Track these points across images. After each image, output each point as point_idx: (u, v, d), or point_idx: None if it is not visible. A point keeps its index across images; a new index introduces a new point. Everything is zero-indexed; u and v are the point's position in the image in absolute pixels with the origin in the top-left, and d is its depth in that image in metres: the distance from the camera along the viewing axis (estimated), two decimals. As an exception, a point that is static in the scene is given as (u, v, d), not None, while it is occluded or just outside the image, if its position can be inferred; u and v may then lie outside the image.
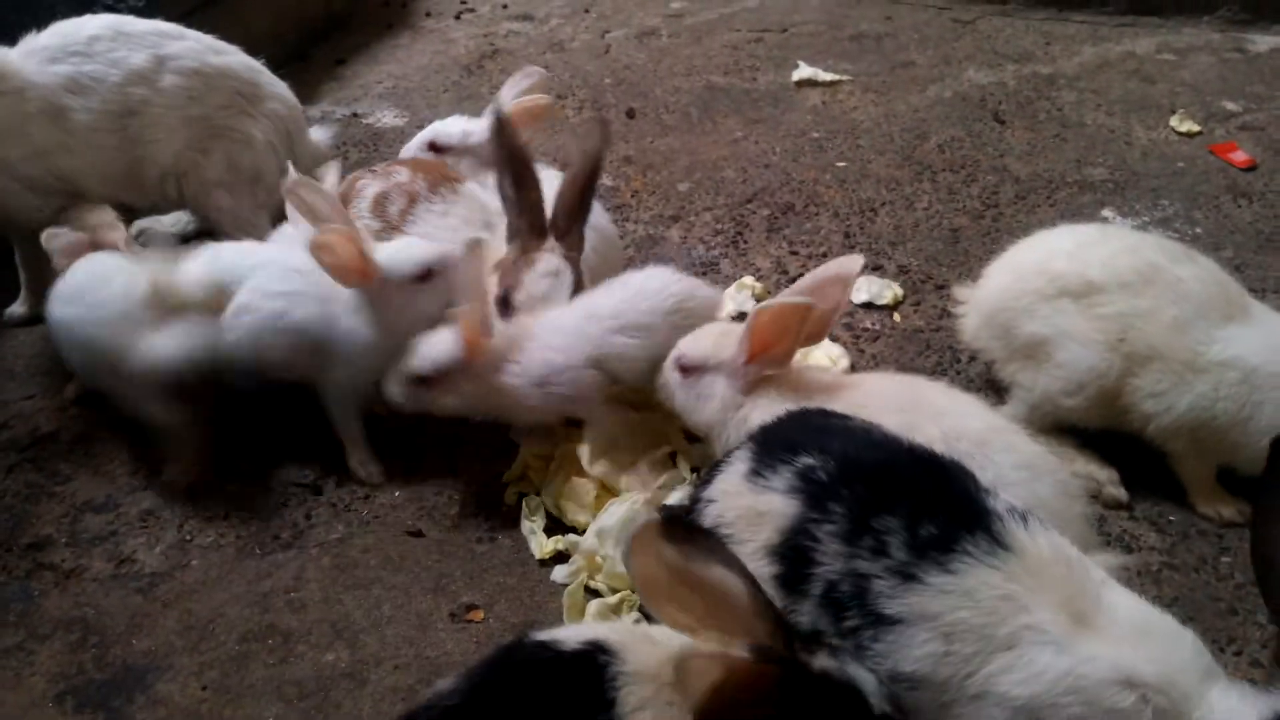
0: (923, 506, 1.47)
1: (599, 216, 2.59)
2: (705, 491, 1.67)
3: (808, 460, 1.56)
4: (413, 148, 2.77)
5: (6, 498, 2.26)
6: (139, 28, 2.63)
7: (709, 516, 1.64)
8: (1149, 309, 2.10)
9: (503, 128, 2.30)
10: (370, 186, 2.47)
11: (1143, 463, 2.20)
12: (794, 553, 1.51)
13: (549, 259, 2.24)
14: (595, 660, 1.34)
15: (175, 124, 2.62)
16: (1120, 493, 2.20)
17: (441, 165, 2.61)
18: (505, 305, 2.21)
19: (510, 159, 2.28)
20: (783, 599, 1.53)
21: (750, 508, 1.58)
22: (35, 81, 2.44)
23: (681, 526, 1.42)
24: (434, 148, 2.72)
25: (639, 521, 1.41)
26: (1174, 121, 3.51)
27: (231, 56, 2.76)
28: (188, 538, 2.17)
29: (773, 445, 1.63)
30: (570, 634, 1.40)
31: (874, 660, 1.45)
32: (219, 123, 2.70)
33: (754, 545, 1.55)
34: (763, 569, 1.53)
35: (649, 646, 1.38)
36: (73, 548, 2.15)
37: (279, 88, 2.86)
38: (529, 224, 2.27)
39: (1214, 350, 2.06)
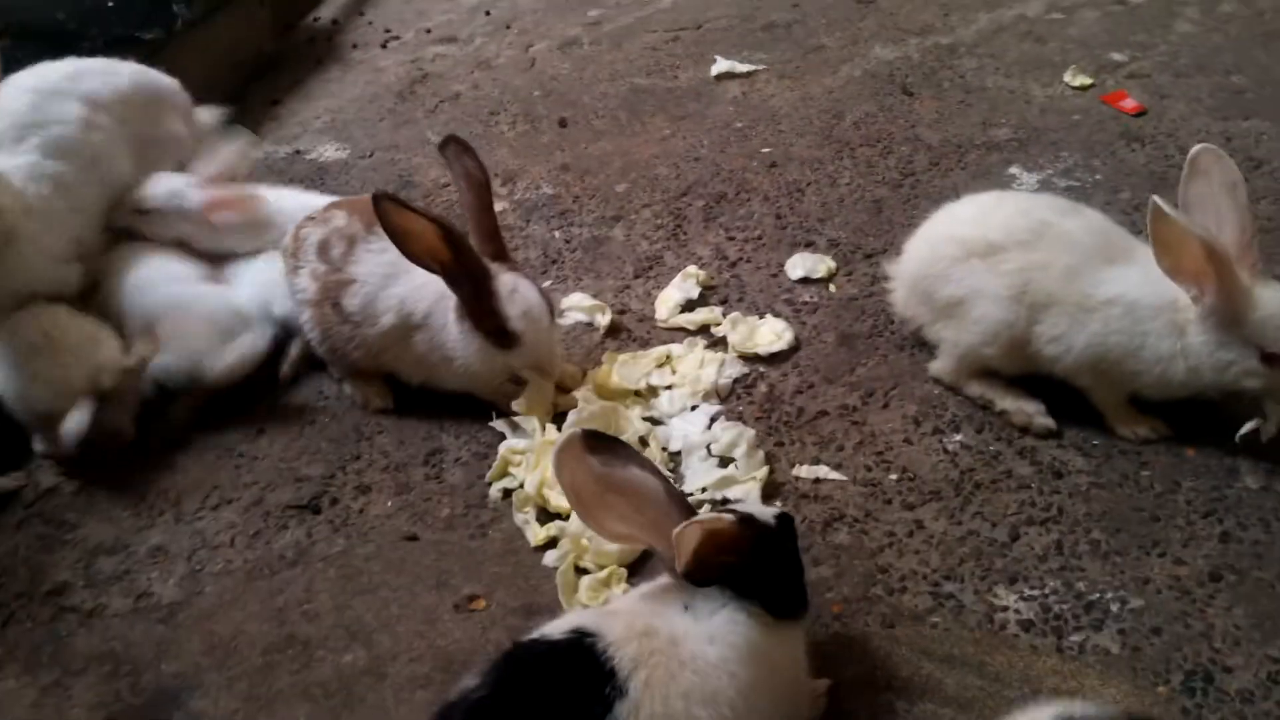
0: None
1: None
2: None
3: None
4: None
5: (21, 550, 2.37)
6: (51, 79, 2.68)
7: None
8: (1043, 261, 2.25)
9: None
10: (313, 234, 2.55)
11: (1067, 395, 2.38)
12: None
13: (505, 277, 2.36)
14: (583, 642, 1.51)
15: (124, 150, 2.73)
16: (1049, 421, 2.36)
17: None
18: (504, 335, 2.35)
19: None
20: None
21: None
22: (26, 161, 2.50)
23: (601, 437, 1.65)
24: (137, 211, 2.74)
25: (564, 436, 1.62)
26: (1067, 77, 3.72)
27: (123, 74, 2.86)
28: (198, 567, 2.29)
29: None
30: (552, 628, 1.57)
31: None
32: (147, 134, 2.83)
33: None
34: None
35: (613, 617, 1.56)
36: (91, 589, 2.26)
37: (163, 79, 2.97)
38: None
39: (1100, 291, 2.21)
